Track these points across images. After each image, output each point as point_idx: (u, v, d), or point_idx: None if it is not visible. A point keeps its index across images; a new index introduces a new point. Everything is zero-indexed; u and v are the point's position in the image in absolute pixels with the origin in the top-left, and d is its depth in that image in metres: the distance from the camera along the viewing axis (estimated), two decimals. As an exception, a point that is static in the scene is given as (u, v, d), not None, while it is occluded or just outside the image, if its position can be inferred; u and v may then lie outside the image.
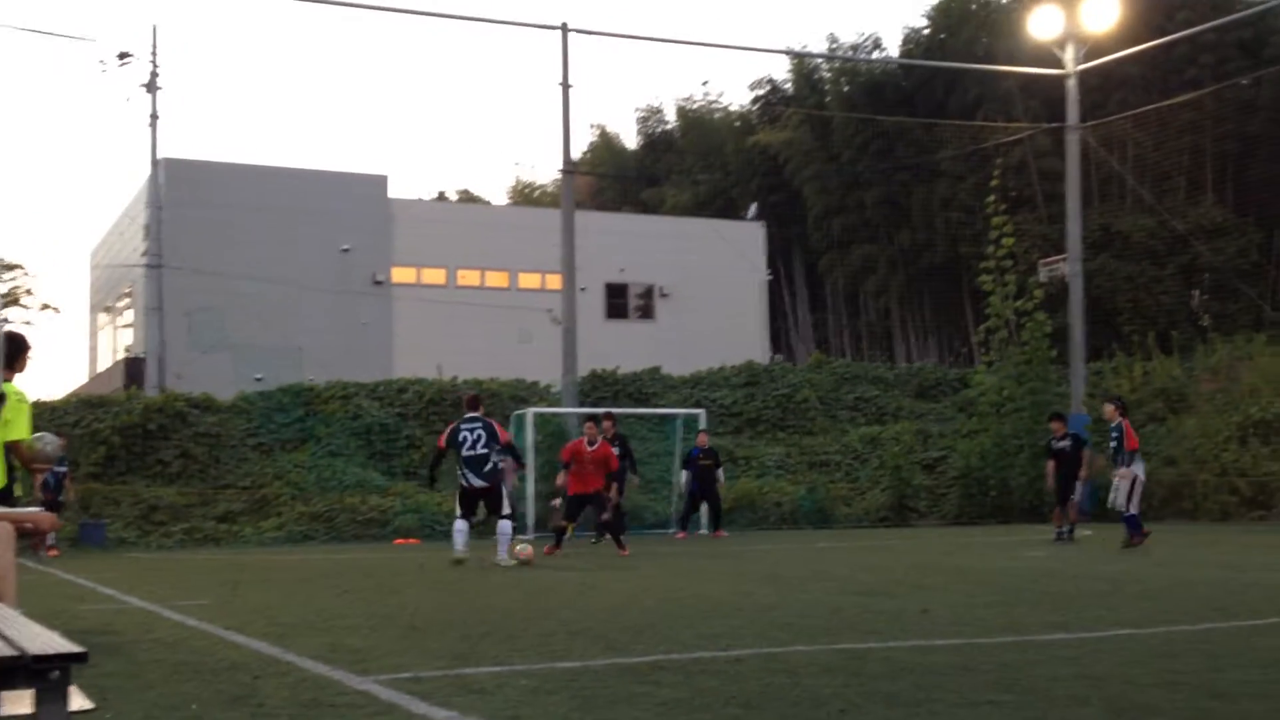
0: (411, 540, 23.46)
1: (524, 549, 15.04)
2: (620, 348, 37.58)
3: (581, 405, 28.78)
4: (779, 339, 57.10)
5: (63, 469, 21.21)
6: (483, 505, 15.08)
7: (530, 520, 24.34)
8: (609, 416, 20.56)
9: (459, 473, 14.96)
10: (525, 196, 75.84)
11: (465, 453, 14.72)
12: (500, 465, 15.42)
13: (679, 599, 9.84)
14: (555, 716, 4.58)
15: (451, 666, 6.03)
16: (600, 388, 31.81)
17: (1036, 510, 27.85)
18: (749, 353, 39.71)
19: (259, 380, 32.56)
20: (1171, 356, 35.11)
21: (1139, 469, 16.84)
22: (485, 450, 14.73)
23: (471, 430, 14.84)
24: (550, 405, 28.30)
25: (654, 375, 33.07)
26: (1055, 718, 4.46)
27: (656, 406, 30.56)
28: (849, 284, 56.66)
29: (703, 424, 26.29)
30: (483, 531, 17.15)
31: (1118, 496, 16.61)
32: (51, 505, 18.40)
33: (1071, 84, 30.88)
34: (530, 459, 24.65)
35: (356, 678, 5.69)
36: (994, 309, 29.95)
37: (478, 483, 14.74)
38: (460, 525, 14.86)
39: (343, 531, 24.63)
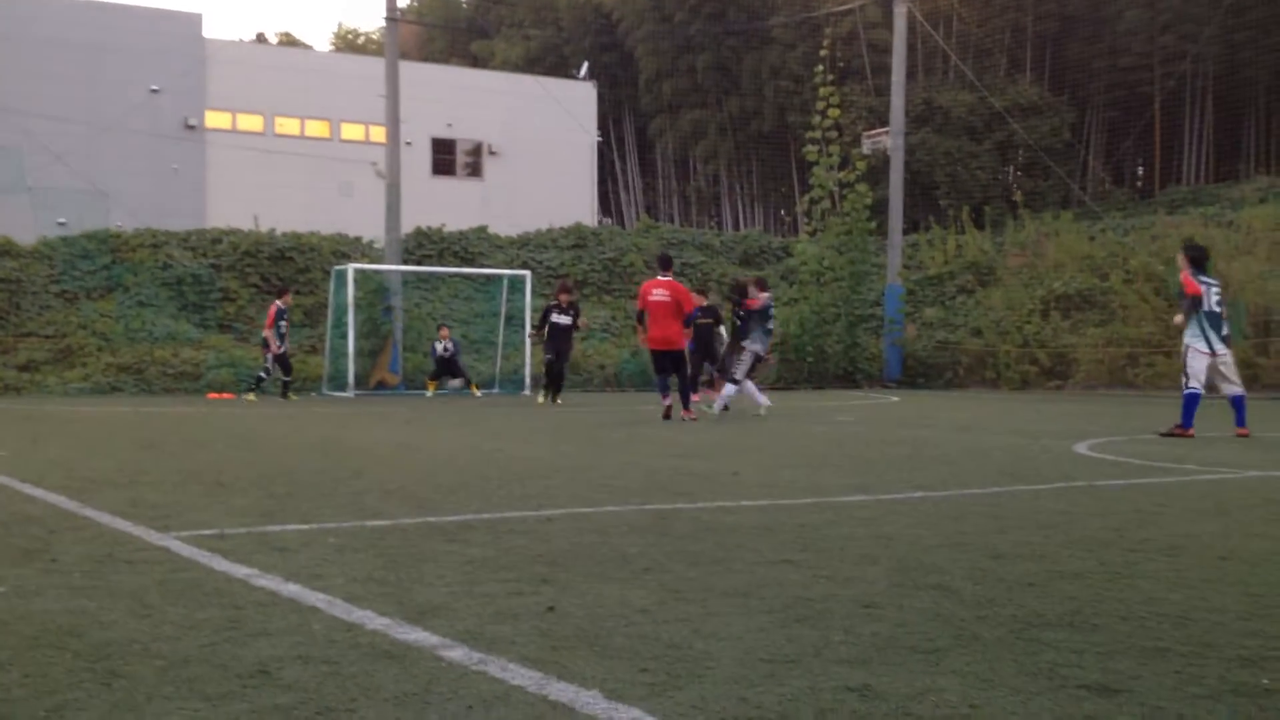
0: (225, 395, 22.94)
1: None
2: (447, 205, 36.97)
3: (405, 263, 28.32)
4: (608, 202, 57.01)
5: None
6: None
7: (351, 377, 24.04)
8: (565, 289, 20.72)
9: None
10: (349, 44, 73.08)
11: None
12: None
13: (495, 460, 9.89)
14: (358, 575, 4.57)
15: (257, 524, 5.94)
16: (425, 245, 31.32)
17: (850, 376, 28.78)
18: (577, 215, 39.57)
19: (61, 225, 31.00)
20: (984, 231, 36.40)
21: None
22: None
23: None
24: (373, 262, 27.75)
25: (481, 235, 32.69)
26: (845, 575, 4.65)
27: (483, 266, 30.29)
28: (679, 149, 56.68)
29: (529, 285, 26.26)
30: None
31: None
32: None
33: (903, -44, 31.05)
34: (350, 316, 24.24)
35: (156, 534, 5.56)
36: (817, 179, 30.41)
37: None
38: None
39: (153, 384, 23.92)
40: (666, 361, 15.87)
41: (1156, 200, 41.47)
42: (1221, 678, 3.23)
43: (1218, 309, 12.72)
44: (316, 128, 40.72)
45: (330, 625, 3.74)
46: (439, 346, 24.18)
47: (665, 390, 15.85)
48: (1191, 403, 12.60)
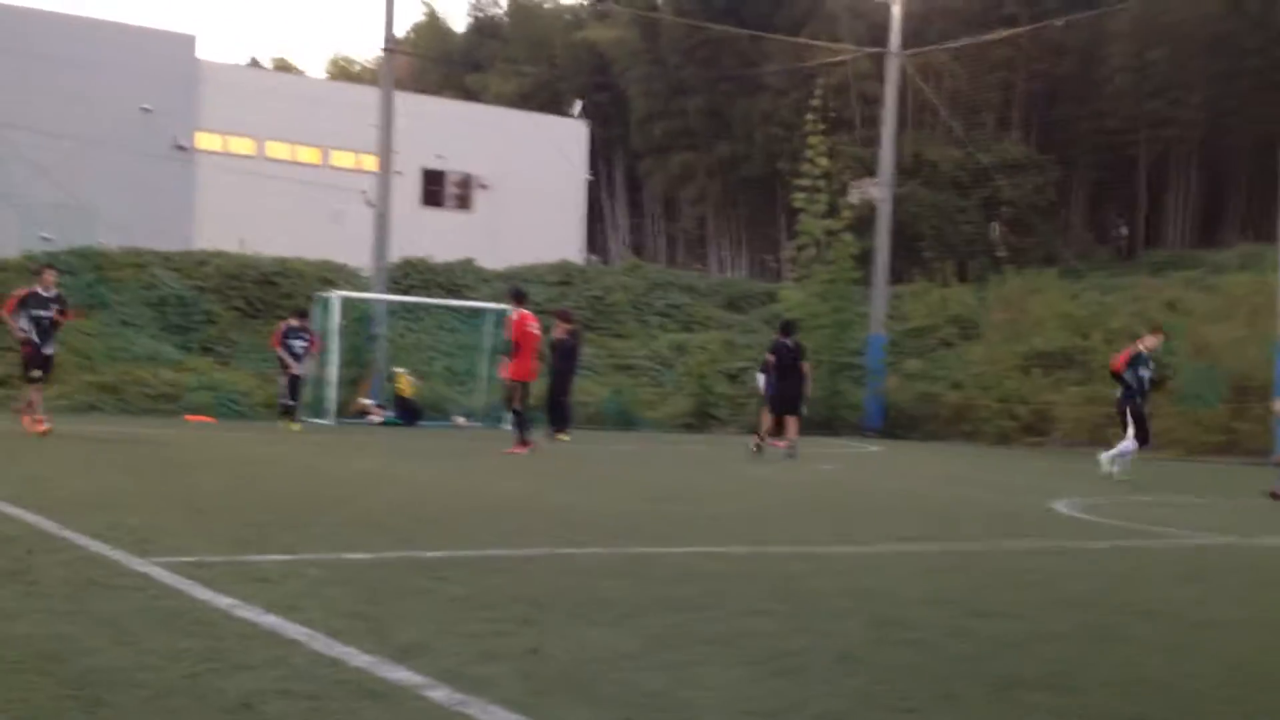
0: (204, 418, 22.81)
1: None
2: (435, 236, 36.95)
3: (391, 292, 28.31)
4: (595, 240, 57.15)
5: None
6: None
7: (334, 405, 23.96)
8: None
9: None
10: (344, 72, 73.35)
11: None
12: None
13: (476, 495, 9.87)
14: (339, 609, 4.56)
15: (237, 552, 5.92)
16: (412, 275, 31.32)
17: (830, 424, 28.84)
18: (565, 251, 39.62)
19: (46, 240, 30.87)
20: (967, 284, 36.62)
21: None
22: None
23: None
24: (359, 290, 27.72)
25: (467, 267, 32.71)
26: (825, 627, 4.66)
27: (469, 299, 30.29)
28: (667, 190, 56.97)
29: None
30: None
31: None
32: None
33: (895, 10, 31.35)
34: (334, 343, 24.19)
35: (136, 559, 5.53)
36: (805, 226, 30.56)
37: None
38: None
39: (132, 404, 23.77)
40: (528, 393, 16.19)
41: (1139, 261, 41.83)
42: (1201, 747, 3.25)
43: None
44: (307, 154, 40.76)
45: (312, 660, 3.73)
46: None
47: (527, 426, 15.80)
48: None
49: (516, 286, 17.69)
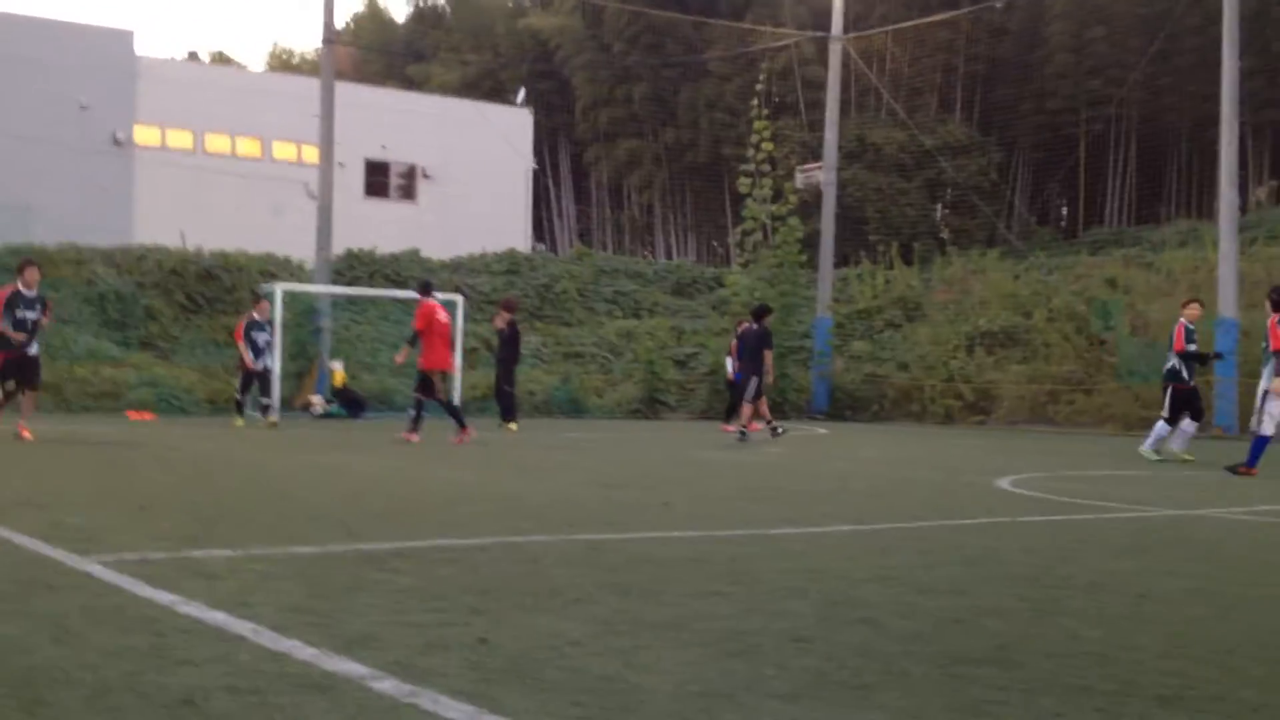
0: (146, 415, 22.54)
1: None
2: (379, 228, 36.71)
3: (335, 284, 28.09)
4: (542, 228, 56.98)
5: None
6: None
7: (277, 399, 23.73)
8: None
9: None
10: (285, 64, 72.57)
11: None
12: None
13: (423, 486, 9.83)
14: (285, 603, 4.52)
15: (181, 549, 5.85)
16: (356, 267, 31.09)
17: (778, 407, 28.94)
18: (511, 240, 39.49)
19: (-18, 239, 30.31)
20: (912, 267, 36.92)
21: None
22: None
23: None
24: (302, 282, 27.47)
25: (413, 257, 32.52)
26: (775, 608, 4.69)
27: (414, 289, 30.09)
28: (614, 177, 56.91)
29: (460, 310, 26.13)
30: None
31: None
32: None
33: (838, -6, 31.50)
34: (278, 337, 23.95)
35: (78, 558, 5.46)
36: (750, 212, 30.67)
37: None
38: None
39: (72, 403, 23.44)
40: (440, 382, 16.36)
41: (1080, 241, 42.35)
42: (1142, 716, 3.30)
43: None
44: (248, 146, 40.28)
45: (257, 655, 3.69)
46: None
47: (422, 418, 15.81)
48: (1263, 445, 12.74)
49: (425, 280, 18.17)
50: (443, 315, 16.13)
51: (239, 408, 20.54)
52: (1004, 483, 11.15)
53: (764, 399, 18.53)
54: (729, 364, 22.48)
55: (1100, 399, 25.57)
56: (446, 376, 16.20)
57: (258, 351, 20.22)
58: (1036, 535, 7.47)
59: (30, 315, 14.29)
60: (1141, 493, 10.84)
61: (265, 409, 20.47)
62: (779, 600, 4.87)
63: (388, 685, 3.35)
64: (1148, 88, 42.86)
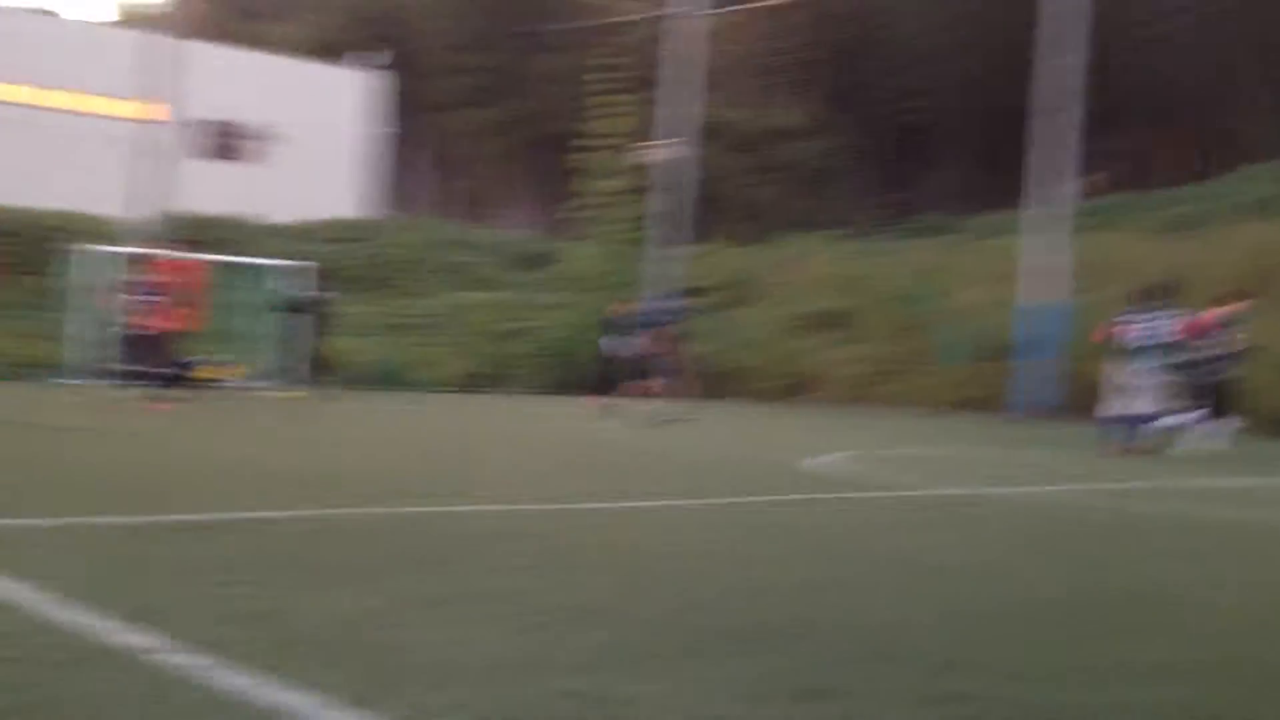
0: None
1: None
2: (211, 190, 35.46)
3: (158, 246, 27.11)
4: (385, 195, 56.03)
5: None
6: None
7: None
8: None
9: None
10: (134, 18, 69.53)
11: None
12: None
13: (231, 457, 9.65)
14: (74, 574, 4.41)
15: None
16: (182, 230, 30.04)
17: (611, 383, 29.11)
18: (353, 207, 38.74)
19: None
20: (750, 247, 37.52)
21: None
22: None
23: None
24: (117, 245, 26.39)
25: (244, 223, 31.62)
26: (576, 581, 4.79)
27: (249, 255, 29.21)
28: (460, 146, 56.36)
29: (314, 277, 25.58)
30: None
31: None
32: None
33: (685, -30, 31.68)
34: (75, 300, 23.04)
35: None
36: (585, 186, 30.71)
37: None
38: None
39: None
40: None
41: (909, 226, 43.56)
42: (919, 683, 3.49)
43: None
44: (57, 98, 38.34)
45: (39, 626, 3.62)
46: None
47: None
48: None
49: (189, 236, 17.66)
50: (188, 275, 15.58)
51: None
52: (813, 461, 11.47)
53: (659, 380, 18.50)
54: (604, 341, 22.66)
55: (916, 380, 26.50)
56: (176, 336, 15.55)
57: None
58: (836, 512, 7.77)
59: None
60: (944, 472, 11.28)
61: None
62: (577, 574, 4.98)
63: (177, 658, 3.31)
64: (970, 78, 44.14)
